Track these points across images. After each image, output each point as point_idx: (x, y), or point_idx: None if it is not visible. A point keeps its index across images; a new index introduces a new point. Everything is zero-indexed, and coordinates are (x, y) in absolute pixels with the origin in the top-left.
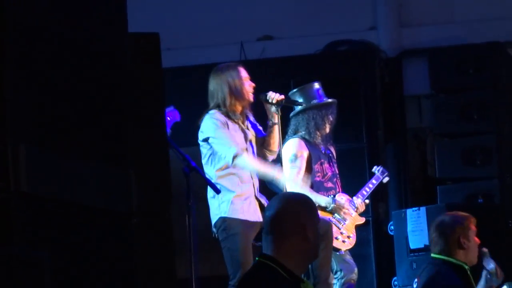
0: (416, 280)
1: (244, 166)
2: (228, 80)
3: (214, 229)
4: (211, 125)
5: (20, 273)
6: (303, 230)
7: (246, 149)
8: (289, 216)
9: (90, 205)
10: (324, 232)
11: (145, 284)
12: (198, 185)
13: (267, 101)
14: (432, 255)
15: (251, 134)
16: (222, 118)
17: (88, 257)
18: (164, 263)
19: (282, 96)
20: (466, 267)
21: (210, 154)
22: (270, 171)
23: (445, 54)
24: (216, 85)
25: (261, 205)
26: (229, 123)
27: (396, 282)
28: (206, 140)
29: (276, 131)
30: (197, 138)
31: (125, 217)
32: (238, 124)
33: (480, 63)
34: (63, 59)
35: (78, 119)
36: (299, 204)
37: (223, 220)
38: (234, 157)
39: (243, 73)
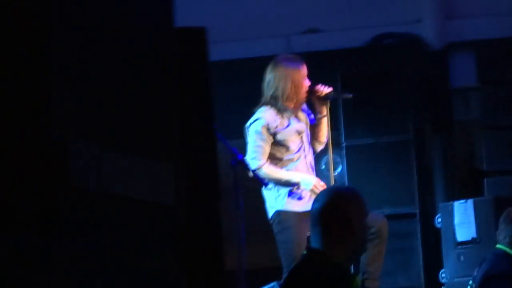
0: (477, 269)
1: (265, 177)
2: (294, 74)
3: (270, 222)
4: (253, 130)
5: (68, 266)
6: (350, 224)
7: (281, 159)
8: (336, 210)
9: (138, 198)
10: (378, 229)
11: (192, 276)
12: (243, 177)
13: (315, 94)
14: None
15: (306, 123)
16: (272, 121)
17: (135, 250)
18: (213, 255)
19: (331, 89)
20: None
21: None
22: (292, 177)
23: (492, 46)
24: (279, 77)
25: None
26: (279, 123)
27: (443, 275)
28: None
29: (325, 123)
30: (243, 131)
31: (173, 211)
32: (290, 119)
33: None
34: (108, 54)
35: (125, 114)
36: (346, 198)
37: (278, 213)
38: (254, 170)
39: (305, 70)
